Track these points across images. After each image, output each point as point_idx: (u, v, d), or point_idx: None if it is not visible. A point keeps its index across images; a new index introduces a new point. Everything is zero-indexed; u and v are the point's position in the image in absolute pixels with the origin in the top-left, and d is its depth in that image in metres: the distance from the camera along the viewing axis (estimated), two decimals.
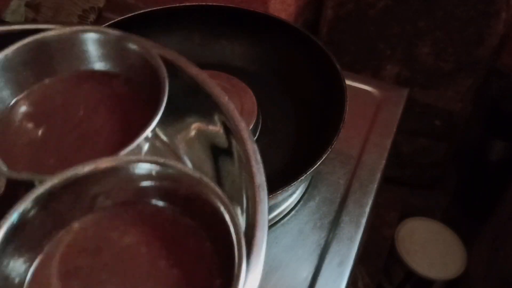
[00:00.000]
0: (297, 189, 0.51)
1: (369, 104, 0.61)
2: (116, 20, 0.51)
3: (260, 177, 0.28)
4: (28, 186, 0.26)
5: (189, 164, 0.35)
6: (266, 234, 0.28)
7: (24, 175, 0.27)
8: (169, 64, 0.32)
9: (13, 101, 0.33)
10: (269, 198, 0.32)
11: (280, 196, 0.40)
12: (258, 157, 0.29)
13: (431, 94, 1.04)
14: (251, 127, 0.47)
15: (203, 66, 0.33)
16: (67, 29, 0.33)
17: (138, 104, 0.32)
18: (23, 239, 0.26)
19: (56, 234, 0.28)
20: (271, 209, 0.50)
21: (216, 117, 0.32)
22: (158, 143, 0.35)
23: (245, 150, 0.29)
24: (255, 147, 0.29)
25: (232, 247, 0.25)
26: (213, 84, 0.32)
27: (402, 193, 1.17)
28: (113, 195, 0.28)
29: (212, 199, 0.27)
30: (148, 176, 0.28)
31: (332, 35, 0.97)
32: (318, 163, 0.40)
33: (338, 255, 0.48)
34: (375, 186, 0.53)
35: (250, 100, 0.49)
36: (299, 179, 0.39)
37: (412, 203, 1.18)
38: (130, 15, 0.52)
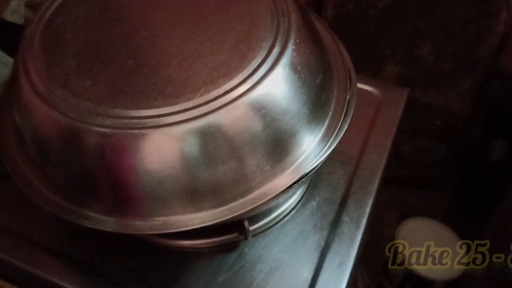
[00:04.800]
0: (297, 190, 0.51)
1: (370, 104, 0.61)
2: None
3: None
4: None
5: None
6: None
7: None
8: None
9: None
10: (269, 200, 0.38)
11: (281, 197, 0.40)
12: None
13: (431, 94, 1.04)
14: None
15: None
16: None
17: None
18: None
19: None
20: (271, 210, 0.49)
21: None
22: None
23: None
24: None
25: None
26: None
27: (402, 193, 1.17)
28: None
29: None
30: None
31: None
32: (319, 164, 0.40)
33: (338, 255, 0.48)
34: (376, 186, 0.53)
35: None
36: (300, 181, 0.39)
37: (412, 203, 1.18)
38: None
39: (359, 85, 0.61)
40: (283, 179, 0.39)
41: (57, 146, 0.38)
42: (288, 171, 0.39)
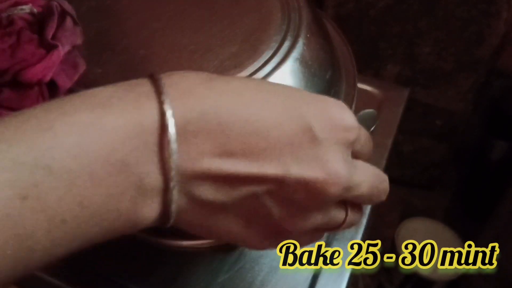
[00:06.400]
0: None
1: (370, 104, 0.61)
2: None
3: None
4: None
5: None
6: None
7: None
8: None
9: None
10: None
11: None
12: None
13: (432, 94, 1.04)
14: None
15: None
16: None
17: None
18: None
19: None
20: None
21: None
22: None
23: None
24: None
25: None
26: None
27: (402, 193, 1.17)
28: None
29: None
30: None
31: None
32: None
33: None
34: None
35: None
36: None
37: (412, 203, 1.17)
38: None
39: (360, 85, 0.61)
40: None
41: None
42: None
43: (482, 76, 0.99)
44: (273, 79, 0.37)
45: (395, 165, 1.15)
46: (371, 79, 0.65)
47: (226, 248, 0.48)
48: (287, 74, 0.38)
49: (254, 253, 0.48)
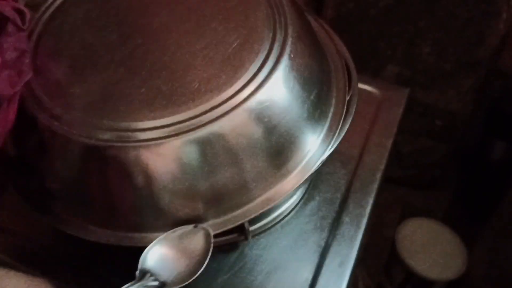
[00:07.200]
0: (297, 190, 0.50)
1: (370, 104, 0.61)
2: None
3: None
4: None
5: None
6: None
7: None
8: None
9: None
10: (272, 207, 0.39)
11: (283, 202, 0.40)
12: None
13: (431, 94, 1.04)
14: None
15: None
16: None
17: None
18: None
19: None
20: (272, 210, 0.49)
21: None
22: None
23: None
24: None
25: None
26: None
27: (402, 193, 1.17)
28: None
29: None
30: None
31: None
32: (319, 164, 0.40)
33: (338, 255, 0.48)
34: (376, 186, 0.53)
35: None
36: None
37: (412, 204, 1.17)
38: None
39: (360, 85, 0.61)
40: (287, 184, 0.40)
41: (41, 153, 0.38)
42: (292, 175, 0.40)
43: (482, 76, 0.99)
44: (250, 103, 0.37)
45: (395, 165, 1.15)
46: (371, 79, 0.65)
47: (226, 248, 0.48)
48: (265, 99, 0.37)
49: (254, 253, 0.48)
